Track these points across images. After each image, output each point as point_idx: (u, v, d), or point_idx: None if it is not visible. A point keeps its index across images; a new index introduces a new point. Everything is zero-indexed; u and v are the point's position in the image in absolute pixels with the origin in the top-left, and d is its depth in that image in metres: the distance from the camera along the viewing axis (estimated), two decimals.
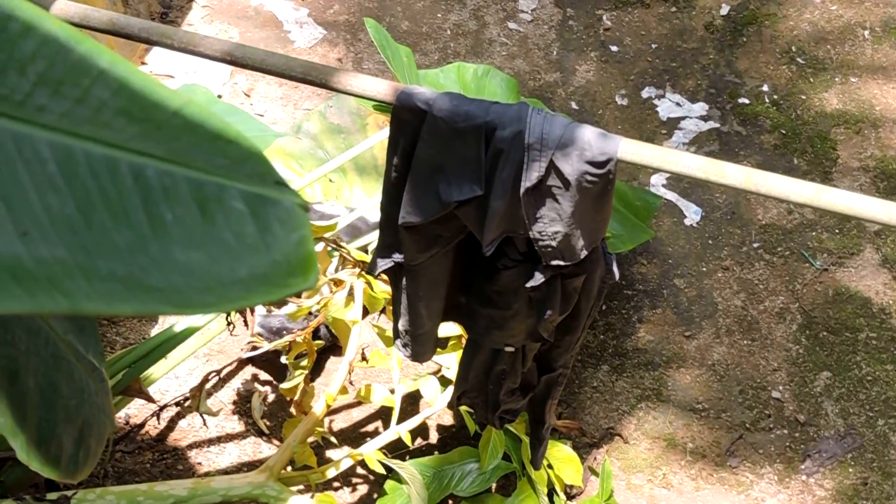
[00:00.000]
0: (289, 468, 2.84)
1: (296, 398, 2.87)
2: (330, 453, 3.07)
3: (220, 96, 3.79)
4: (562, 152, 1.78)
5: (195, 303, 1.23)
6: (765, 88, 4.00)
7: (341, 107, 3.49)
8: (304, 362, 2.85)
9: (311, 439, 2.85)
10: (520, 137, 1.79)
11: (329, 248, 2.77)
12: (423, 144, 1.85)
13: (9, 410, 1.65)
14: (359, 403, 3.17)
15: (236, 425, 3.12)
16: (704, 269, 3.55)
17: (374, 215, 3.16)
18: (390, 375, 2.99)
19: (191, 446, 3.07)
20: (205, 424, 3.11)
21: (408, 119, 1.84)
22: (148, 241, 1.22)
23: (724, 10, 4.24)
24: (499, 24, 4.15)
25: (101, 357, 2.00)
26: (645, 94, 4.00)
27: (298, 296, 2.79)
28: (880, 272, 3.54)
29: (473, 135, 1.80)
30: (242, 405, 3.15)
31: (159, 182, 1.24)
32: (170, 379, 3.15)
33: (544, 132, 1.78)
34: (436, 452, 3.06)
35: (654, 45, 4.13)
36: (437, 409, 2.90)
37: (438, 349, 2.55)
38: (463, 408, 2.87)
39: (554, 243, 1.90)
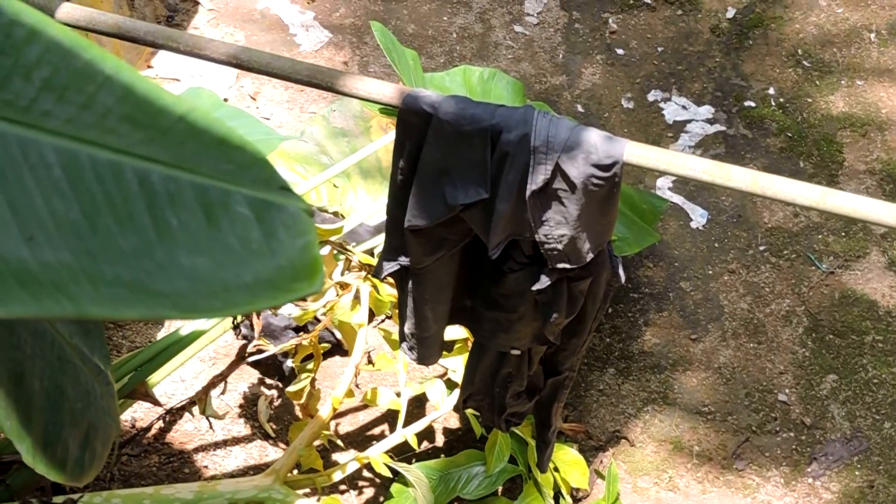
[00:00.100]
0: (295, 471, 2.84)
1: (302, 401, 2.87)
2: (336, 456, 3.08)
3: (226, 99, 3.80)
4: (568, 155, 1.78)
5: (200, 307, 1.23)
6: (771, 91, 4.00)
7: (345, 110, 3.49)
8: (311, 365, 2.85)
9: (317, 442, 2.85)
10: (526, 140, 1.79)
11: (335, 252, 2.77)
12: (429, 147, 1.85)
13: (14, 413, 1.65)
14: (365, 407, 3.17)
15: (242, 428, 3.12)
16: (710, 272, 3.55)
17: (375, 220, 3.16)
18: (396, 379, 2.99)
19: (197, 449, 3.07)
20: (211, 428, 3.11)
21: (414, 122, 1.84)
22: (153, 245, 1.22)
23: (730, 13, 4.24)
24: (504, 27, 4.15)
25: (106, 360, 2.00)
26: (651, 97, 4.00)
27: (304, 299, 2.79)
28: (886, 275, 3.54)
29: (479, 138, 1.80)
30: (248, 408, 3.15)
31: (164, 187, 1.24)
32: (176, 382, 3.15)
33: (550, 135, 1.78)
34: (442, 455, 3.06)
35: (660, 49, 4.13)
36: (443, 412, 2.90)
37: (444, 352, 2.55)
38: (469, 411, 2.87)
39: (560, 246, 1.90)
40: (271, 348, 2.89)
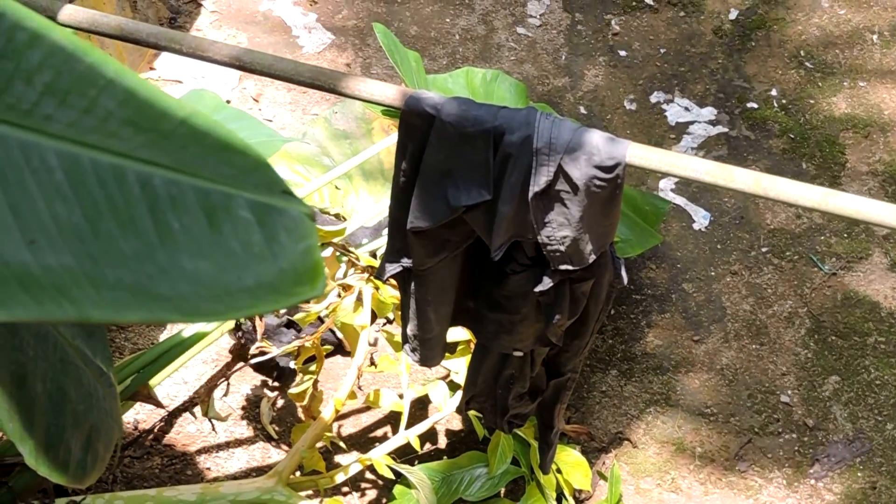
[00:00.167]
0: (297, 473, 2.84)
1: (304, 403, 2.87)
2: (339, 458, 3.08)
3: (228, 101, 3.80)
4: (570, 157, 1.78)
5: (202, 311, 1.23)
6: (773, 93, 4.00)
7: (347, 112, 3.50)
8: (313, 367, 2.85)
9: (319, 444, 2.85)
10: (528, 142, 1.79)
11: (337, 253, 2.77)
12: (432, 149, 1.85)
13: (17, 415, 1.65)
14: (367, 408, 3.17)
15: (245, 430, 3.13)
16: (713, 273, 3.55)
17: (376, 221, 3.17)
18: (399, 380, 2.99)
19: (199, 451, 3.07)
20: (213, 429, 3.11)
21: (416, 124, 1.84)
22: (155, 249, 1.22)
23: (733, 14, 4.24)
24: (507, 28, 4.15)
25: (109, 362, 2.00)
26: (654, 98, 4.00)
27: (306, 302, 2.79)
28: (889, 276, 3.54)
29: (482, 139, 1.80)
30: (251, 410, 3.15)
31: (166, 191, 1.24)
32: (178, 384, 3.15)
33: (553, 137, 1.78)
34: (444, 457, 3.06)
35: (662, 50, 4.13)
36: (445, 413, 2.90)
37: (447, 354, 2.55)
38: (472, 412, 2.87)
39: (562, 248, 1.90)
40: (274, 350, 2.89)
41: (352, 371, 2.83)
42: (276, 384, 3.20)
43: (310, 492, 2.82)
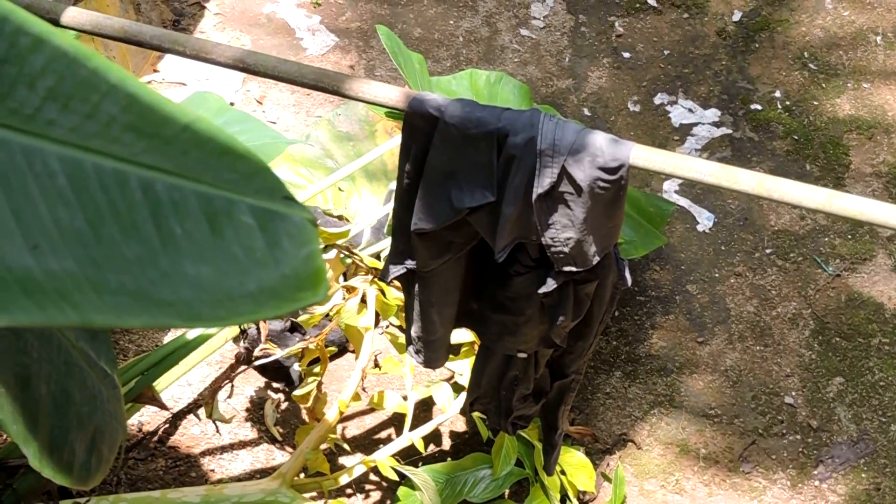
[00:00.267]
0: (302, 475, 2.84)
1: (308, 405, 2.87)
2: (343, 460, 3.08)
3: (232, 103, 3.80)
4: (574, 158, 1.78)
5: (204, 316, 1.23)
6: (777, 94, 4.00)
7: (350, 114, 3.50)
8: (317, 369, 2.85)
9: (323, 446, 2.85)
10: (532, 143, 1.79)
11: (341, 255, 2.78)
12: (435, 151, 1.85)
13: (21, 417, 1.65)
14: (371, 410, 3.17)
15: (249, 432, 3.13)
16: (717, 274, 3.55)
17: (380, 223, 3.17)
18: (403, 382, 2.99)
19: (203, 453, 3.08)
20: (217, 431, 3.11)
21: (420, 125, 1.85)
22: (157, 254, 1.22)
23: (737, 16, 4.24)
24: (511, 30, 4.15)
25: (113, 364, 2.00)
26: (657, 100, 4.00)
27: (309, 307, 2.79)
28: (893, 277, 3.54)
29: (485, 141, 1.81)
30: (255, 412, 3.16)
31: (168, 196, 1.24)
32: (182, 386, 3.15)
33: (556, 138, 1.78)
34: (449, 459, 3.06)
35: (666, 52, 4.13)
36: (449, 415, 2.90)
37: (451, 355, 2.55)
38: (476, 414, 2.87)
39: (566, 249, 1.90)
40: (278, 352, 2.89)
41: (356, 373, 2.83)
42: (280, 386, 3.20)
43: (314, 493, 2.82)
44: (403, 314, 2.31)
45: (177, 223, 1.24)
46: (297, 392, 2.84)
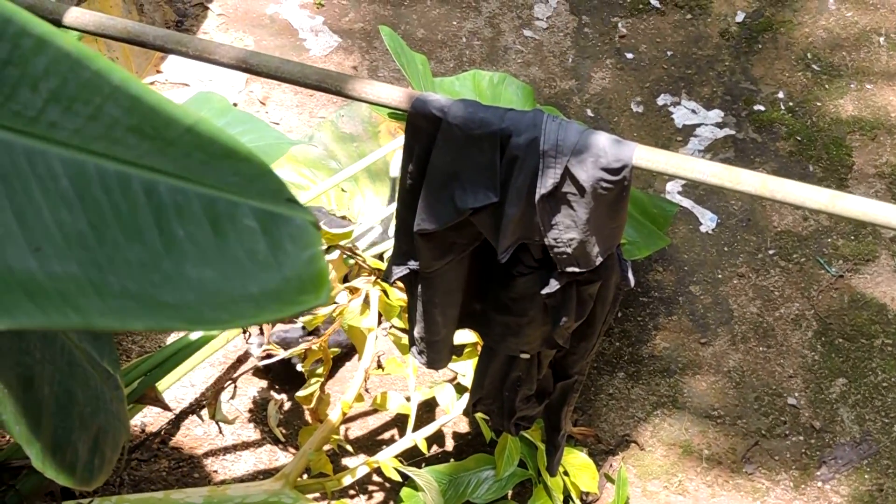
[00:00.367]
0: (305, 476, 2.84)
1: (311, 406, 2.87)
2: (346, 461, 3.08)
3: (235, 104, 3.80)
4: (577, 159, 1.78)
5: (207, 319, 1.23)
6: (780, 95, 4.00)
7: (353, 115, 3.50)
8: (320, 370, 2.85)
9: (326, 447, 2.85)
10: (535, 144, 1.79)
11: (344, 256, 2.78)
12: (438, 151, 1.85)
13: (24, 418, 1.65)
14: (374, 411, 3.17)
15: (252, 433, 3.13)
16: (720, 275, 3.55)
17: (383, 224, 3.17)
18: (406, 383, 2.99)
19: (207, 454, 3.08)
20: (220, 432, 3.11)
21: (423, 126, 1.85)
22: (160, 257, 1.22)
23: (740, 17, 4.24)
24: (514, 31, 4.15)
25: (116, 364, 2.00)
26: (660, 101, 3.99)
27: (311, 310, 2.79)
28: None
29: (488, 141, 1.81)
30: (258, 413, 3.16)
31: (171, 199, 1.24)
32: (185, 387, 3.15)
33: (559, 139, 1.78)
34: (452, 460, 3.06)
35: (669, 53, 4.13)
36: (452, 416, 2.90)
37: (454, 356, 2.55)
38: (479, 415, 2.87)
39: (569, 250, 1.90)
40: (281, 353, 2.89)
41: (359, 374, 2.83)
42: (283, 387, 3.20)
43: (317, 494, 2.82)
44: (406, 315, 2.31)
45: (180, 226, 1.24)
46: (301, 393, 2.84)
